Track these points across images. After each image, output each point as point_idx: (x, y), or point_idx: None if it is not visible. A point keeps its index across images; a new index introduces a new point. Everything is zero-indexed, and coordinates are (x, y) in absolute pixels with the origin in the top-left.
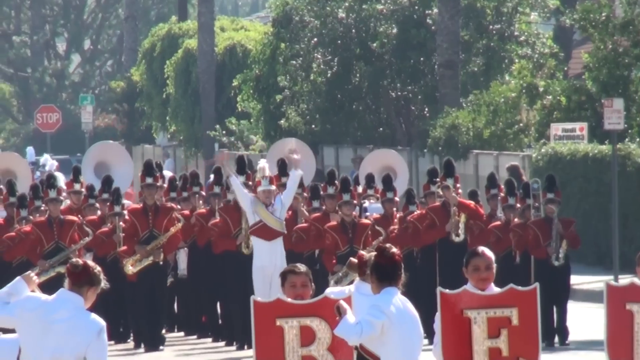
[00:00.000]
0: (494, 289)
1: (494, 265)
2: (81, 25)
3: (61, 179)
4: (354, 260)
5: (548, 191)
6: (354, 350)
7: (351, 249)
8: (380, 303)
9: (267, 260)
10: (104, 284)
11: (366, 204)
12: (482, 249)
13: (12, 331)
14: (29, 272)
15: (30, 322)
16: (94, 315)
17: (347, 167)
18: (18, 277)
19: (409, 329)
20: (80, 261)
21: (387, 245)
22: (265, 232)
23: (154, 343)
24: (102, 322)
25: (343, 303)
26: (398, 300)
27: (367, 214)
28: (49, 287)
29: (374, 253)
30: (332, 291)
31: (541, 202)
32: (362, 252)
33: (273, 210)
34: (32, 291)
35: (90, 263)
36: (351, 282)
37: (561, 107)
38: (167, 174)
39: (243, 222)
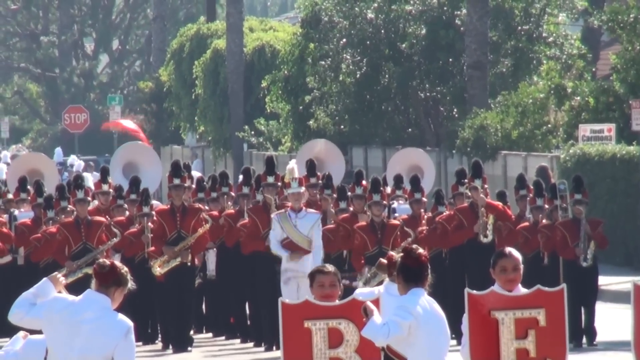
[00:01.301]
0: (522, 290)
1: (521, 266)
2: (109, 26)
3: (90, 179)
4: (384, 260)
5: (575, 192)
6: (381, 352)
7: (380, 249)
8: (407, 304)
9: (294, 265)
10: (131, 284)
11: (394, 204)
12: (509, 249)
13: (39, 332)
14: (56, 273)
15: (57, 323)
16: (121, 316)
17: (376, 167)
18: (45, 278)
19: (435, 329)
20: (108, 262)
21: (414, 246)
22: (293, 248)
23: (182, 344)
24: (130, 323)
25: (370, 304)
26: (425, 301)
27: (396, 214)
28: (76, 288)
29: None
30: (361, 292)
31: (569, 203)
32: (391, 252)
33: (297, 222)
34: (59, 292)
35: (118, 264)
36: (380, 283)
37: (589, 108)
38: (196, 174)
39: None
